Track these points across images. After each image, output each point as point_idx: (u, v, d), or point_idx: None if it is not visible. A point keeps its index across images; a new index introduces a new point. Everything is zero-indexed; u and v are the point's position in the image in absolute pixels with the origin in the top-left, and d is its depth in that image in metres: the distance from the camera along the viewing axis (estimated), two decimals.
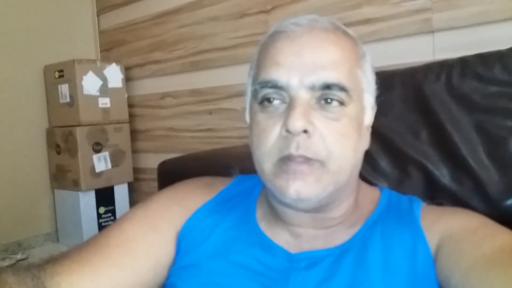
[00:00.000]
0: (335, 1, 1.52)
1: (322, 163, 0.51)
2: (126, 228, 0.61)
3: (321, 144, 0.51)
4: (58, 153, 2.09)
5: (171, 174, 1.03)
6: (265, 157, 0.53)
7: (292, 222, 0.58)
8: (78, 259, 0.56)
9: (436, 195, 0.82)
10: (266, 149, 0.53)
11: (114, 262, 0.57)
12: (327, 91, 0.52)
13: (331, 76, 0.51)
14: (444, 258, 0.51)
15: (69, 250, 0.59)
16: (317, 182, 0.51)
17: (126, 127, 2.19)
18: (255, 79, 0.57)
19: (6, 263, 1.85)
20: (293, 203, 0.53)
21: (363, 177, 0.63)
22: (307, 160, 0.51)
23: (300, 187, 0.51)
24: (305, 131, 0.50)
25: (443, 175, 0.82)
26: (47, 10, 2.19)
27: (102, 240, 0.60)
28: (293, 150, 0.50)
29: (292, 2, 1.64)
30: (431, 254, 0.53)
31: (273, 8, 1.70)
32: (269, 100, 0.54)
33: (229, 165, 0.96)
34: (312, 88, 0.51)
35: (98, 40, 2.43)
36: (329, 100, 0.52)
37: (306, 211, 0.56)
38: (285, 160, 0.51)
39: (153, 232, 0.61)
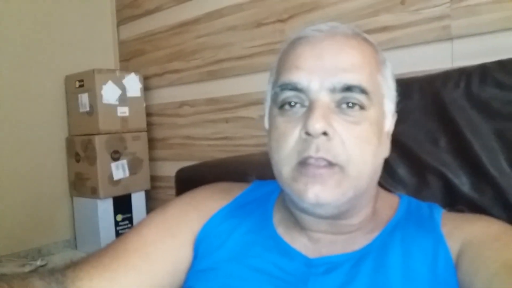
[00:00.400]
0: (352, 9, 1.52)
1: (341, 168, 0.51)
2: (144, 233, 0.62)
3: (341, 147, 0.50)
4: (77, 161, 2.13)
5: (189, 181, 1.03)
6: (284, 161, 0.53)
7: (311, 228, 0.58)
8: (97, 265, 0.57)
9: (456, 203, 0.80)
10: (285, 153, 0.53)
11: (132, 267, 0.58)
12: (348, 94, 0.51)
13: (352, 78, 0.51)
14: (466, 265, 0.50)
15: (89, 255, 0.60)
16: (336, 187, 0.50)
17: (144, 135, 2.22)
18: (275, 83, 0.57)
19: (27, 269, 1.87)
20: (311, 208, 0.53)
21: (380, 185, 0.63)
22: (328, 164, 0.50)
23: (319, 191, 0.50)
24: (325, 134, 0.50)
25: (463, 183, 0.81)
26: (68, 22, 2.25)
27: (121, 245, 0.60)
28: (312, 152, 0.50)
29: (308, 11, 1.64)
30: (452, 260, 0.52)
31: (289, 17, 1.71)
32: (289, 103, 0.54)
33: (246, 172, 0.96)
34: (333, 90, 0.51)
35: (117, 51, 2.48)
36: (350, 105, 0.52)
37: (325, 217, 0.55)
38: (304, 163, 0.51)
39: (171, 237, 0.62)
